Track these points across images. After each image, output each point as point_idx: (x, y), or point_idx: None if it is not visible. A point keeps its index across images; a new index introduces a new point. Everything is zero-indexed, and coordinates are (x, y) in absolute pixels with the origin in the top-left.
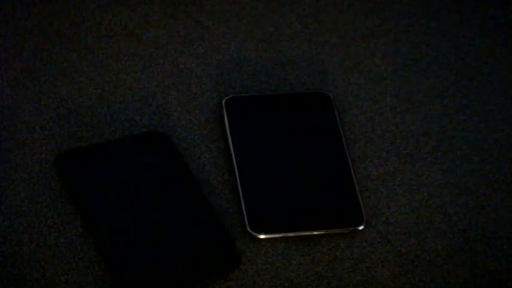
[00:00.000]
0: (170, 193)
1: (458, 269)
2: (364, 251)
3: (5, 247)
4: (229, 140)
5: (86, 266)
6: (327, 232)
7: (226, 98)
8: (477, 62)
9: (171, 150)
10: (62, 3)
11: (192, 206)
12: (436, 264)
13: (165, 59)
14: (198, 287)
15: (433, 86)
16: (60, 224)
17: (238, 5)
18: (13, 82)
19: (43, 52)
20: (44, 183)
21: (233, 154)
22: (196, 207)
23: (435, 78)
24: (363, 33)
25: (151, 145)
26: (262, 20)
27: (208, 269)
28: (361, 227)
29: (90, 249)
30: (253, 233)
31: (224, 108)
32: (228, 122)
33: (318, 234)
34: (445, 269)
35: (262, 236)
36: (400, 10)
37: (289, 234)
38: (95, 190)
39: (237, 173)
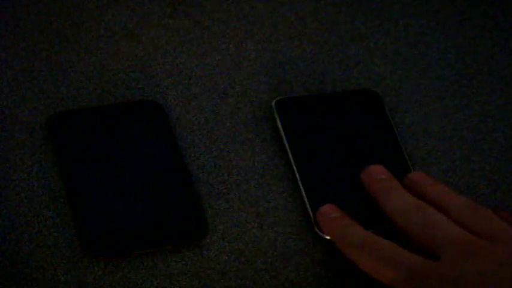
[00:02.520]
0: (151, 160)
1: None
2: None
3: (5, 247)
4: (285, 141)
5: (85, 266)
6: None
7: (275, 99)
8: (477, 62)
9: (161, 120)
10: (62, 3)
11: (170, 174)
12: None
13: (164, 59)
14: (166, 252)
15: (433, 86)
16: (60, 224)
17: (238, 5)
18: (13, 82)
19: (43, 52)
20: (44, 183)
21: (291, 157)
22: (175, 175)
23: (435, 78)
24: (362, 33)
25: (143, 113)
26: (262, 20)
27: (174, 235)
28: None
29: None
30: (321, 233)
31: (275, 110)
32: (282, 123)
33: None
34: None
35: (328, 237)
36: (400, 10)
37: None
38: (79, 151)
39: (297, 175)
